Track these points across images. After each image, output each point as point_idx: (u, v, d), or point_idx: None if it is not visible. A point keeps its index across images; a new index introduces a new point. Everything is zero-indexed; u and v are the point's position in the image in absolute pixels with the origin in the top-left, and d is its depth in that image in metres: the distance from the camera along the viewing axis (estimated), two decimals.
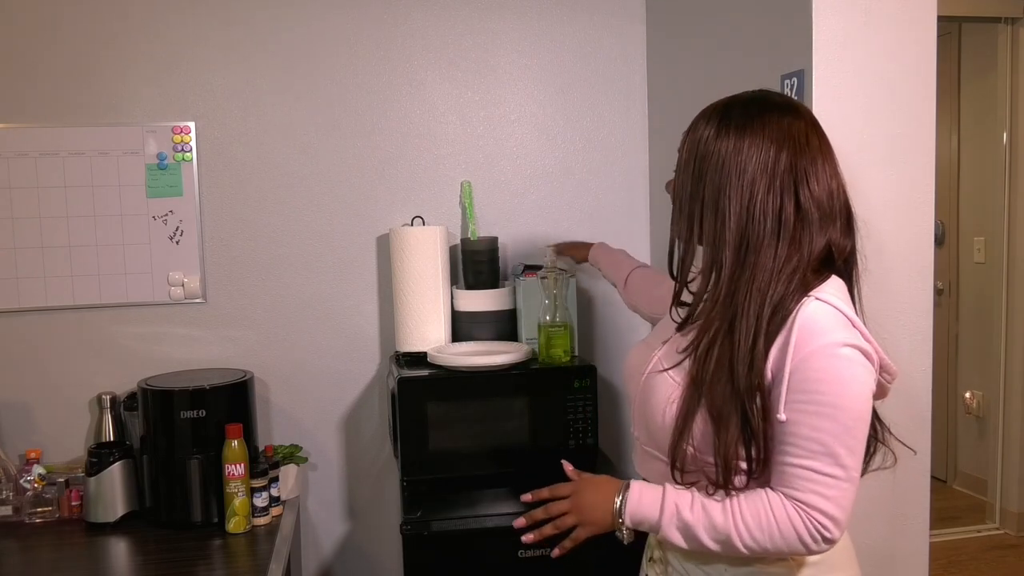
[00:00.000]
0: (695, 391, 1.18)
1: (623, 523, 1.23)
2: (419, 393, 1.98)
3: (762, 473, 1.17)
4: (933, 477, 1.71)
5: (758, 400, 1.13)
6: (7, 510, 2.06)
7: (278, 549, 1.86)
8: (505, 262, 2.36)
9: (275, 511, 2.05)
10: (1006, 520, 3.69)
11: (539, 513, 1.32)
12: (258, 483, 1.99)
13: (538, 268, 2.17)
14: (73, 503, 2.07)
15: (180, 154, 2.22)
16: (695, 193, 1.21)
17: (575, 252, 2.15)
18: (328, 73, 2.28)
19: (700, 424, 1.18)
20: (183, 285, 2.25)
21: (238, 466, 1.95)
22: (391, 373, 2.13)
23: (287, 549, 1.89)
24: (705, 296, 1.22)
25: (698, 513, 1.17)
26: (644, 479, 1.30)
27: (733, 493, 1.17)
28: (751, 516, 1.14)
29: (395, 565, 2.29)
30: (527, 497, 1.36)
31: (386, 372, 2.31)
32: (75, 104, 2.18)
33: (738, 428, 1.14)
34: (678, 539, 1.19)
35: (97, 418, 2.17)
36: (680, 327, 1.27)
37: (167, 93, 2.22)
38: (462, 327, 2.23)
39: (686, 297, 1.29)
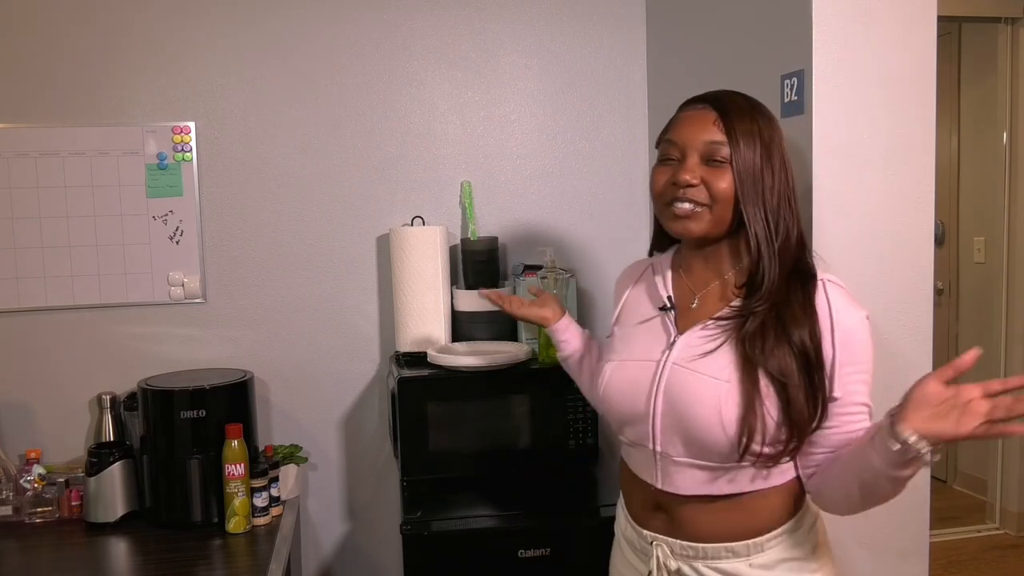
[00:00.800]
0: (751, 369, 1.20)
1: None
2: (419, 393, 1.98)
3: (818, 427, 1.22)
4: (933, 477, 1.72)
5: (818, 358, 1.20)
6: (7, 510, 2.06)
7: (278, 549, 1.86)
8: (505, 262, 2.36)
9: (275, 511, 2.05)
10: (1006, 520, 3.69)
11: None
12: (258, 483, 1.99)
13: (538, 268, 2.17)
14: (73, 503, 2.07)
15: (180, 154, 2.22)
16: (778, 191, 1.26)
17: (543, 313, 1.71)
18: (328, 73, 2.28)
19: (767, 405, 1.19)
20: (183, 285, 2.25)
21: (238, 466, 1.95)
22: (391, 373, 2.13)
23: (287, 549, 1.89)
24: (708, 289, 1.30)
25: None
26: (669, 495, 1.30)
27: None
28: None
29: (395, 565, 2.29)
30: None
31: (386, 372, 2.31)
32: (75, 104, 2.18)
33: (805, 388, 1.19)
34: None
35: (97, 418, 2.17)
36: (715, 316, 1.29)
37: (167, 93, 2.22)
38: (462, 327, 2.23)
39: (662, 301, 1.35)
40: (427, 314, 2.17)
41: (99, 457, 2.02)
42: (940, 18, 1.63)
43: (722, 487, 1.26)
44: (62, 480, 2.09)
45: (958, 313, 4.10)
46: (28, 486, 2.05)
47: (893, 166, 1.60)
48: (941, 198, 3.68)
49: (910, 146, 1.61)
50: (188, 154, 2.23)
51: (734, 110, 1.26)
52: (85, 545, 1.94)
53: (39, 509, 2.05)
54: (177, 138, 2.22)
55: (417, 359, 2.13)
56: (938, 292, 4.07)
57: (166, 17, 2.20)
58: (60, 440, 2.21)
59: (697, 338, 1.27)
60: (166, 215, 2.23)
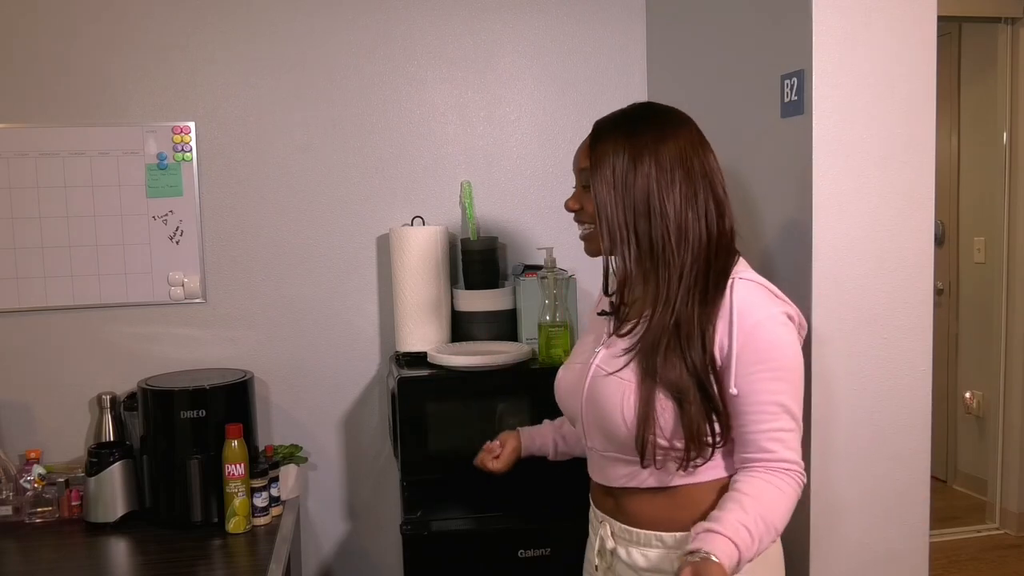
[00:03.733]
0: (650, 381, 1.25)
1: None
2: (419, 393, 1.98)
3: (725, 444, 1.27)
4: (933, 477, 1.71)
5: (712, 376, 1.24)
6: (7, 510, 2.06)
7: (278, 549, 1.86)
8: (505, 262, 2.36)
9: (275, 511, 2.05)
10: (1006, 520, 3.69)
11: None
12: (258, 483, 1.99)
13: (538, 268, 2.17)
14: (73, 503, 2.07)
15: (180, 154, 2.22)
16: (628, 206, 1.29)
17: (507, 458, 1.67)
18: (328, 73, 2.28)
19: (662, 411, 1.24)
20: (183, 285, 2.25)
21: (238, 466, 1.95)
22: (391, 373, 2.13)
23: (287, 549, 1.89)
24: (635, 297, 1.34)
25: (741, 536, 1.19)
26: (607, 487, 1.38)
27: (734, 490, 1.25)
28: (761, 505, 1.22)
29: (395, 565, 2.29)
30: None
31: (386, 372, 2.31)
32: (75, 104, 2.18)
33: (700, 404, 1.23)
34: (757, 555, 1.23)
35: (97, 418, 2.18)
36: (616, 332, 1.34)
37: (167, 93, 2.22)
38: (462, 327, 2.23)
39: (606, 306, 1.39)
40: (427, 314, 2.17)
41: (99, 457, 2.02)
42: (940, 18, 1.63)
43: (648, 480, 1.32)
44: (62, 480, 2.09)
45: (958, 313, 4.10)
46: (28, 486, 2.05)
47: (893, 166, 1.60)
48: (941, 198, 3.68)
49: (910, 146, 1.61)
50: (188, 154, 2.23)
51: (605, 132, 1.34)
52: (85, 545, 1.94)
53: (39, 509, 2.05)
54: (177, 138, 2.22)
55: (417, 359, 2.13)
56: (938, 292, 4.07)
57: (166, 18, 2.20)
58: (60, 440, 2.21)
59: (618, 342, 1.34)
60: (166, 215, 2.23)
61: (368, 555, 2.41)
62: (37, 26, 2.15)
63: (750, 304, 1.24)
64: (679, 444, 1.25)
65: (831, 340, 1.60)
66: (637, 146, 1.29)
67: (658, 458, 1.26)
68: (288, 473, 2.17)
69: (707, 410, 1.24)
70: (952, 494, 4.09)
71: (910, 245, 1.63)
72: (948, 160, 4.03)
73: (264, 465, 2.02)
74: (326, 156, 2.29)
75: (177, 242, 2.24)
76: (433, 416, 1.98)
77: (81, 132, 2.17)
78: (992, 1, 3.51)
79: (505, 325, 2.21)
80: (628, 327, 1.32)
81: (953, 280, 4.12)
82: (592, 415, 1.35)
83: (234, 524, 1.96)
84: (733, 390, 1.23)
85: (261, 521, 2.00)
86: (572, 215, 1.41)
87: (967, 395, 4.04)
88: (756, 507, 1.22)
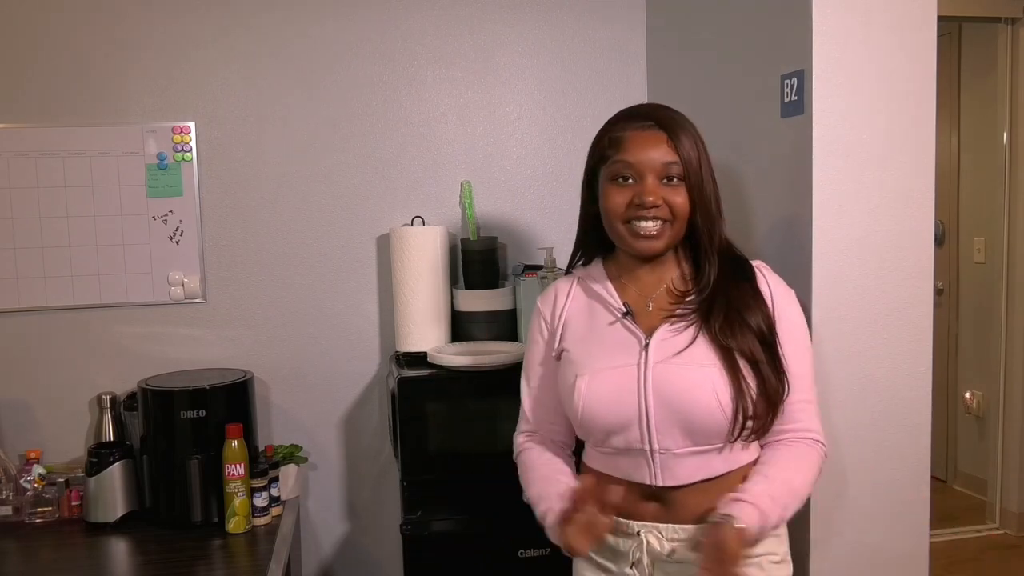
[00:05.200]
0: (731, 358, 1.29)
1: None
2: (419, 393, 1.98)
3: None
4: (933, 477, 1.71)
5: (774, 338, 1.33)
6: (7, 510, 2.06)
7: (278, 549, 1.86)
8: (505, 262, 2.36)
9: (275, 511, 2.05)
10: (1006, 520, 3.69)
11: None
12: (258, 483, 1.99)
13: (538, 268, 2.17)
14: (73, 503, 2.07)
15: (180, 154, 2.22)
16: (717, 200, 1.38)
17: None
18: (328, 73, 2.28)
19: (749, 382, 1.29)
20: (183, 285, 2.25)
21: (238, 466, 1.95)
22: (391, 373, 2.13)
23: (287, 549, 1.89)
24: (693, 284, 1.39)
25: (771, 507, 1.26)
26: (656, 489, 1.33)
27: (760, 463, 1.35)
28: (794, 467, 1.32)
29: (395, 565, 2.29)
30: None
31: (386, 372, 2.31)
32: (75, 104, 2.18)
33: (772, 367, 1.31)
34: (784, 520, 1.32)
35: (97, 418, 2.17)
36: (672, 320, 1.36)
37: (167, 93, 2.22)
38: (462, 327, 2.23)
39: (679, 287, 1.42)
40: (427, 314, 2.17)
41: (99, 457, 2.02)
42: (940, 18, 1.63)
43: (718, 467, 1.33)
44: (62, 480, 2.09)
45: (958, 313, 4.10)
46: (28, 486, 2.05)
47: (893, 166, 1.60)
48: (941, 198, 3.67)
49: (910, 146, 1.61)
50: (188, 154, 2.23)
51: (678, 128, 1.34)
52: (85, 545, 1.94)
53: (39, 509, 2.05)
54: (177, 138, 2.22)
55: (417, 359, 2.13)
56: (938, 292, 4.07)
57: (166, 17, 2.20)
58: (60, 440, 2.20)
59: (668, 336, 1.33)
60: (166, 215, 2.23)
61: (368, 555, 2.41)
62: (37, 26, 2.15)
63: (779, 283, 1.39)
64: (759, 419, 1.30)
65: (831, 340, 1.60)
66: (703, 146, 1.36)
67: (745, 433, 1.30)
68: (288, 473, 2.17)
69: (777, 373, 1.31)
70: (952, 494, 4.09)
71: (910, 245, 1.63)
72: (948, 160, 4.03)
73: (264, 465, 2.02)
74: (326, 156, 2.29)
75: (177, 242, 2.24)
76: (433, 416, 1.98)
77: (81, 132, 2.17)
78: (992, 1, 3.51)
79: (505, 325, 2.21)
80: (680, 315, 1.35)
81: (953, 280, 4.12)
82: (669, 411, 1.29)
83: (234, 524, 1.96)
84: (784, 360, 1.33)
85: (261, 521, 2.00)
86: (644, 210, 1.31)
87: (967, 395, 4.04)
88: (780, 474, 1.30)
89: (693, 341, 1.31)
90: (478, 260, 2.25)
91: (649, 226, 1.32)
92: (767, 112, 1.71)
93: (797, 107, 1.60)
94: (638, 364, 1.32)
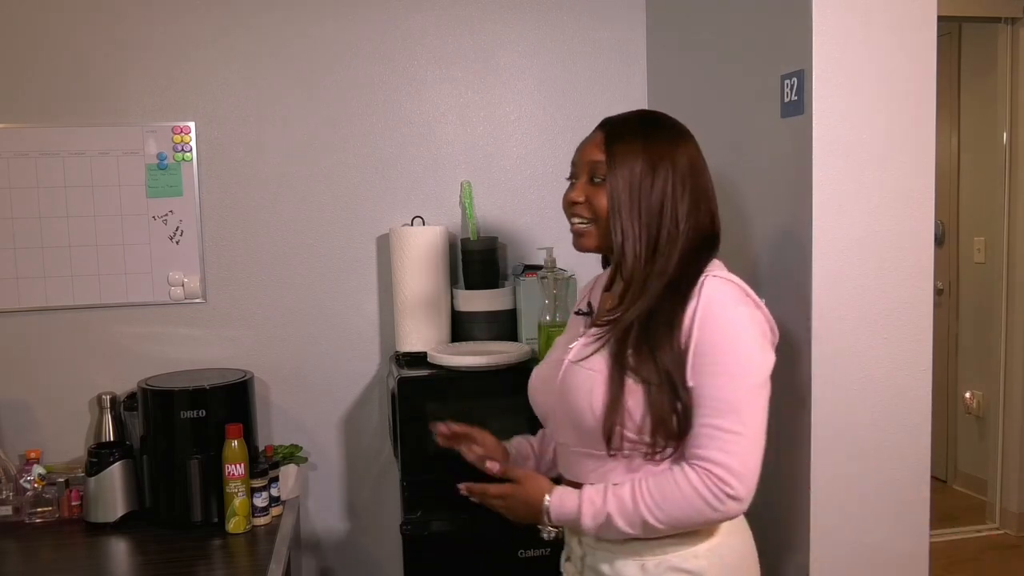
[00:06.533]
0: (619, 369, 1.26)
1: (549, 521, 1.32)
2: (419, 393, 1.98)
3: (685, 436, 1.26)
4: (933, 477, 1.71)
5: (678, 367, 1.24)
6: (7, 510, 2.06)
7: (278, 549, 1.86)
8: (505, 262, 2.36)
9: (275, 511, 2.05)
10: (1006, 520, 3.69)
11: (476, 499, 1.41)
12: (258, 483, 1.99)
13: (538, 268, 2.17)
14: (73, 503, 2.07)
15: (180, 154, 2.22)
16: (644, 208, 1.32)
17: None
18: (328, 73, 2.28)
19: (631, 398, 1.25)
20: (183, 285, 2.25)
21: (238, 466, 1.95)
22: (391, 373, 2.13)
23: (287, 549, 1.89)
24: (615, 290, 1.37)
25: (609, 499, 1.26)
26: (576, 484, 1.35)
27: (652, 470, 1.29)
28: (656, 488, 1.24)
29: (395, 565, 2.29)
30: (463, 489, 1.42)
31: (386, 372, 2.31)
32: (75, 104, 2.18)
33: (666, 394, 1.23)
34: (596, 529, 1.28)
35: (97, 418, 2.17)
36: (593, 324, 1.38)
37: (167, 93, 2.22)
38: (462, 327, 2.23)
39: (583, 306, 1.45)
40: (427, 314, 2.17)
41: (99, 457, 2.02)
42: (940, 18, 1.63)
43: (620, 476, 1.30)
44: (62, 480, 2.09)
45: (958, 313, 4.10)
46: (28, 486, 2.05)
47: (893, 166, 1.60)
48: (941, 198, 3.68)
49: (910, 146, 1.61)
50: (188, 154, 2.23)
51: (622, 131, 1.35)
52: (85, 545, 1.94)
53: (39, 509, 2.05)
54: (177, 138, 2.22)
55: (417, 359, 2.13)
56: (938, 292, 4.07)
57: (166, 17, 2.20)
58: (60, 440, 2.20)
59: (589, 339, 1.35)
60: (166, 215, 2.23)
61: (368, 555, 2.41)
62: (37, 26, 2.15)
63: (715, 300, 1.25)
64: (646, 437, 1.25)
65: (831, 340, 1.60)
66: (655, 153, 1.32)
67: (625, 448, 1.27)
68: (288, 473, 2.16)
69: (672, 400, 1.23)
70: (952, 494, 4.09)
71: (910, 245, 1.63)
72: (948, 160, 4.03)
73: (264, 465, 2.02)
74: (326, 156, 2.29)
75: (177, 242, 2.24)
76: (433, 416, 1.97)
77: (81, 132, 2.17)
78: (992, 1, 3.51)
79: (505, 325, 2.21)
80: (604, 320, 1.34)
81: (953, 280, 4.12)
82: (562, 407, 1.35)
83: (234, 524, 1.96)
84: (690, 383, 1.23)
85: (261, 521, 2.00)
86: (570, 207, 1.38)
87: (967, 395, 4.04)
88: (640, 489, 1.25)
89: (598, 350, 1.31)
90: (478, 260, 2.25)
91: (576, 223, 1.37)
92: (767, 112, 1.71)
93: (797, 107, 1.60)
94: (562, 359, 1.37)
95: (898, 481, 1.66)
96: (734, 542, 1.33)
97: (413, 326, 2.17)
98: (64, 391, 2.21)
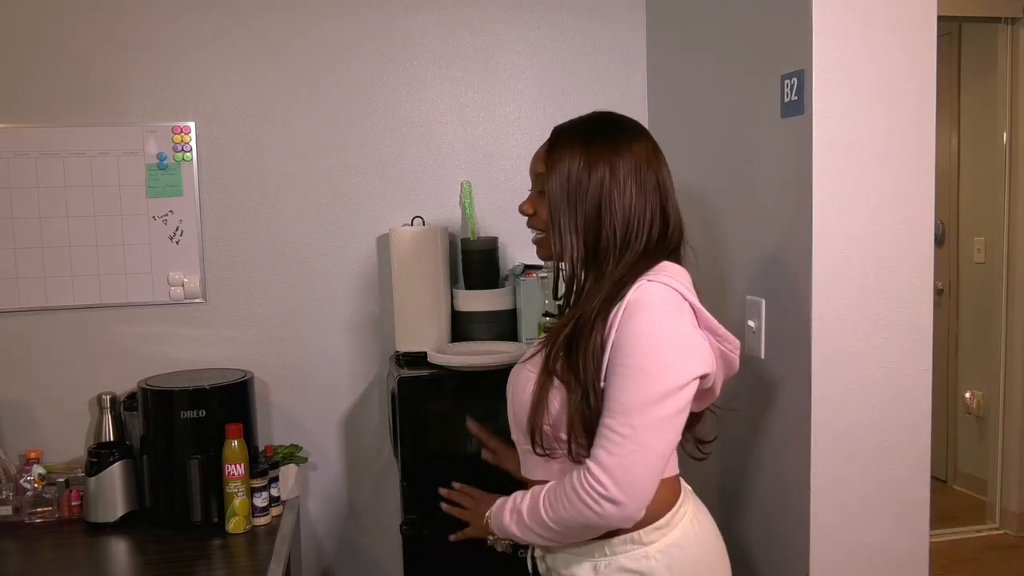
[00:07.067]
0: (547, 371, 1.27)
1: (491, 531, 1.39)
2: (419, 393, 1.98)
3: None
4: (933, 477, 1.71)
5: (593, 372, 1.22)
6: (7, 510, 2.06)
7: (278, 549, 1.86)
8: (505, 262, 2.36)
9: (275, 511, 2.05)
10: (1006, 520, 3.69)
11: (447, 503, 1.56)
12: (258, 483, 1.99)
13: (538, 268, 2.17)
14: (73, 503, 2.07)
15: (180, 154, 2.22)
16: (580, 211, 1.31)
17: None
18: (328, 73, 2.28)
19: (552, 399, 1.26)
20: (183, 285, 2.25)
21: (238, 466, 1.95)
22: (391, 373, 2.13)
23: (287, 549, 1.89)
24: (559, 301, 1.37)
25: (526, 500, 1.31)
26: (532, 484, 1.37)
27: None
28: (555, 488, 1.26)
29: (395, 565, 2.29)
30: (443, 490, 1.58)
31: (386, 372, 2.31)
32: (75, 104, 2.18)
33: (580, 395, 1.23)
34: (519, 531, 1.32)
35: (97, 418, 2.17)
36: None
37: (167, 93, 2.22)
38: (462, 327, 2.23)
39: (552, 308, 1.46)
40: (427, 314, 2.17)
41: (99, 457, 2.02)
42: (940, 18, 1.63)
43: (555, 473, 1.30)
44: (62, 480, 2.09)
45: (958, 313, 4.10)
46: (28, 486, 2.05)
47: (893, 166, 1.60)
48: (941, 198, 3.68)
49: (910, 146, 1.61)
50: (188, 154, 2.23)
51: (563, 137, 1.34)
52: (85, 545, 1.94)
53: (39, 509, 2.05)
54: (177, 138, 2.22)
55: (417, 359, 2.13)
56: (938, 292, 4.07)
57: (166, 17, 2.20)
58: (60, 440, 2.21)
59: (541, 342, 1.36)
60: (166, 215, 2.23)
61: (368, 555, 2.41)
62: (37, 26, 2.15)
63: (638, 303, 1.21)
64: (563, 435, 1.26)
65: (831, 340, 1.60)
66: (593, 153, 1.30)
67: (547, 448, 1.29)
68: (288, 473, 2.17)
69: (583, 401, 1.23)
70: (952, 494, 4.09)
71: (910, 245, 1.63)
72: (948, 160, 4.03)
73: (264, 465, 2.02)
74: (326, 156, 2.29)
75: (177, 242, 2.24)
76: (433, 416, 1.98)
77: (81, 132, 2.17)
78: (992, 1, 3.51)
79: (505, 325, 2.21)
80: (550, 323, 1.38)
81: (953, 280, 4.12)
82: (511, 406, 1.38)
83: (234, 524, 1.96)
84: (601, 384, 1.22)
85: (261, 521, 2.00)
86: (526, 218, 1.41)
87: (967, 395, 4.04)
88: (546, 489, 1.28)
89: (539, 351, 1.32)
90: (478, 260, 2.25)
91: (534, 234, 1.40)
92: (767, 112, 1.71)
93: (797, 107, 1.60)
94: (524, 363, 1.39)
95: (898, 481, 1.66)
96: (687, 543, 1.32)
97: (413, 326, 2.17)
98: (64, 391, 2.21)
